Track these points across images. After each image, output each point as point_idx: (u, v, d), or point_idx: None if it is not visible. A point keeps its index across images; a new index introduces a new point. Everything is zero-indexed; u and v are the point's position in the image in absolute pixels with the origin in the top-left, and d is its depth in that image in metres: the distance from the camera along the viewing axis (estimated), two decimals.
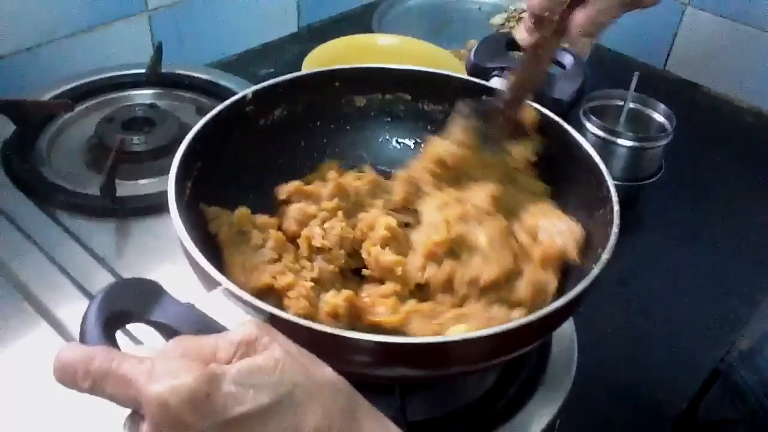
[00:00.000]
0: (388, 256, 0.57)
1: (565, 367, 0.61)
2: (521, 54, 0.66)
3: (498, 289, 0.56)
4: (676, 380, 0.75)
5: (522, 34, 0.64)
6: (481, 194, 0.61)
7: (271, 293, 0.54)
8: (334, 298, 0.53)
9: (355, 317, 0.54)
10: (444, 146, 0.63)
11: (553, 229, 0.58)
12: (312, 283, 0.55)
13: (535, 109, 0.64)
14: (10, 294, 0.66)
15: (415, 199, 0.64)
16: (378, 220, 0.60)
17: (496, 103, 0.64)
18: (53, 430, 0.56)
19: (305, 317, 0.49)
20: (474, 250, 0.57)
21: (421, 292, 0.58)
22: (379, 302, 0.55)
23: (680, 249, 0.93)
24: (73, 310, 0.64)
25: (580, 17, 0.59)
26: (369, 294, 0.56)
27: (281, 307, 0.51)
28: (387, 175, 0.68)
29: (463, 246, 0.57)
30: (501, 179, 0.63)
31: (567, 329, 0.64)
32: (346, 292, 0.54)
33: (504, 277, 0.56)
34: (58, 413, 0.56)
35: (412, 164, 0.65)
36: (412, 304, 0.55)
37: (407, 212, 0.64)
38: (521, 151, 0.64)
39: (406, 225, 0.62)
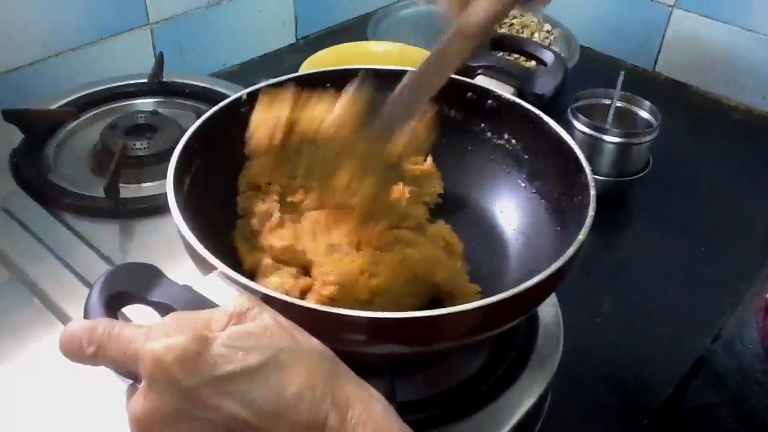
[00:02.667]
0: None
1: (550, 350, 0.63)
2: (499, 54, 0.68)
3: None
4: (663, 367, 0.77)
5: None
6: None
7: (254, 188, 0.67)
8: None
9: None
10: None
11: None
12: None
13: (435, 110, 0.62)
14: (21, 291, 0.69)
15: None
16: None
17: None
18: (69, 424, 0.58)
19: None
20: None
21: None
22: None
23: (668, 242, 0.95)
24: (80, 304, 0.66)
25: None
26: None
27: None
28: None
29: None
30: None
31: (552, 313, 0.66)
32: None
33: None
34: (72, 408, 0.59)
35: None
36: None
37: None
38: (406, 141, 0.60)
39: None
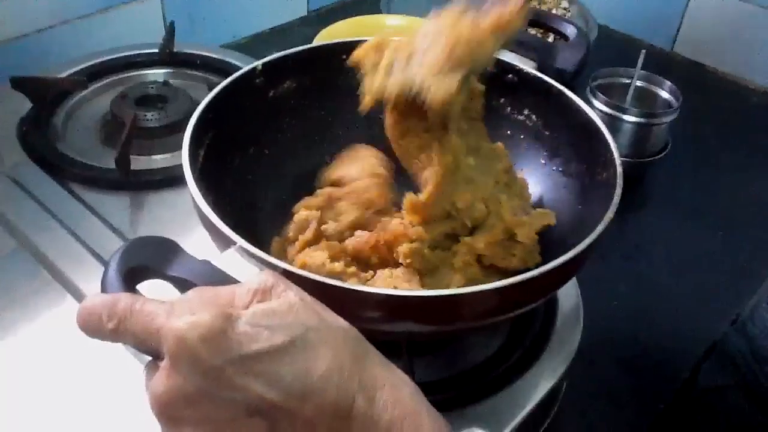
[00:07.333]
0: None
1: (570, 333, 0.62)
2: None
3: None
4: (680, 351, 0.76)
5: None
6: None
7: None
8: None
9: None
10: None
11: None
12: None
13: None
14: (28, 262, 0.68)
15: None
16: None
17: None
18: (79, 400, 0.57)
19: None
20: None
21: None
22: None
23: (685, 225, 0.93)
24: (90, 278, 0.66)
25: None
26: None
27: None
28: None
29: None
30: None
31: (572, 295, 0.65)
32: None
33: None
34: (82, 382, 0.58)
35: None
36: None
37: None
38: None
39: None
